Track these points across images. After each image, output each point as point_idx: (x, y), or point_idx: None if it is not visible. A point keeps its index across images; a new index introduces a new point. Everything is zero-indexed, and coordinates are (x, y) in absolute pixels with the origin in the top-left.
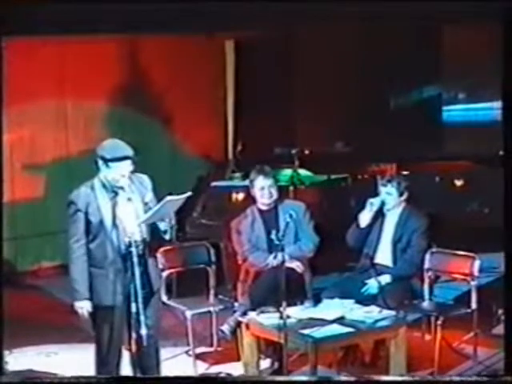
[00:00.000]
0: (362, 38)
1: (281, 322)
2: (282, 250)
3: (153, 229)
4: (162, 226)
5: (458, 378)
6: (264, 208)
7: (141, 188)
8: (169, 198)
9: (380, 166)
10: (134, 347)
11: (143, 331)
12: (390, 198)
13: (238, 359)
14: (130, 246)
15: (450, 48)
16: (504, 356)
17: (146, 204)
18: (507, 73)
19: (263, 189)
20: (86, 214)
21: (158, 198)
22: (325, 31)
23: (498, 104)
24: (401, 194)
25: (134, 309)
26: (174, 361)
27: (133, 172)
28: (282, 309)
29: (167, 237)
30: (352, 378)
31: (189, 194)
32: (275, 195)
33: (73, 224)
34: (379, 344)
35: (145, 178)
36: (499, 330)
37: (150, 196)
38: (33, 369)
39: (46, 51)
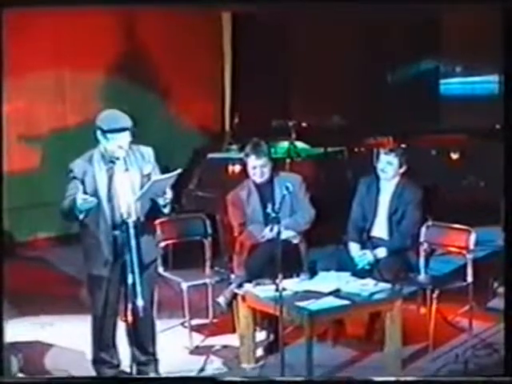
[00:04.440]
0: (360, 12)
1: (277, 294)
2: (278, 222)
3: (151, 203)
4: (161, 200)
5: (458, 378)
6: (259, 181)
7: (140, 160)
8: (154, 178)
9: (377, 139)
10: (129, 318)
11: (139, 302)
12: (390, 168)
13: (234, 331)
14: (126, 217)
15: (447, 21)
16: (504, 356)
17: (145, 176)
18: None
19: (255, 168)
20: (83, 182)
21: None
22: (323, 4)
23: (495, 77)
24: (400, 166)
25: (130, 280)
26: (170, 332)
27: (133, 143)
28: (277, 281)
29: (166, 210)
30: (351, 378)
31: (179, 171)
32: (267, 174)
33: (67, 188)
34: (374, 317)
35: (146, 150)
36: (494, 303)
37: (149, 168)
38: (28, 340)
39: (43, 23)
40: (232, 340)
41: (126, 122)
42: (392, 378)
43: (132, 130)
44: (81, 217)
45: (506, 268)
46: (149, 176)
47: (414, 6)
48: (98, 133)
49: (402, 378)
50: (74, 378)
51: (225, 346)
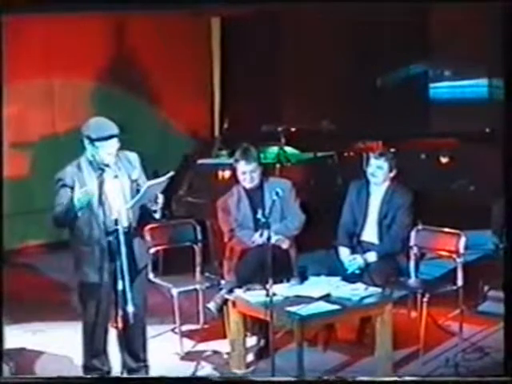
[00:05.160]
0: (349, 16)
1: (267, 299)
2: (268, 227)
3: (142, 208)
4: (153, 206)
5: (456, 378)
6: (249, 187)
7: (128, 165)
8: (149, 183)
9: (366, 143)
10: (120, 325)
11: (130, 309)
12: (381, 172)
13: (225, 337)
14: (116, 223)
15: (436, 25)
16: (504, 357)
17: (133, 181)
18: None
19: (244, 173)
20: (73, 190)
21: (145, 175)
22: (312, 9)
23: (484, 81)
24: (390, 170)
25: (120, 286)
26: (161, 338)
27: (120, 149)
28: (268, 286)
29: (157, 216)
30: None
31: (171, 174)
32: (257, 179)
33: (58, 196)
34: (365, 321)
35: (132, 156)
36: (485, 307)
37: (137, 173)
38: (19, 347)
39: (33, 29)
40: (223, 346)
41: (113, 129)
42: (393, 379)
43: (119, 137)
44: (79, 214)
45: (505, 270)
46: (137, 181)
47: (404, 9)
48: (86, 141)
49: (403, 379)
50: (76, 379)
51: (215, 352)
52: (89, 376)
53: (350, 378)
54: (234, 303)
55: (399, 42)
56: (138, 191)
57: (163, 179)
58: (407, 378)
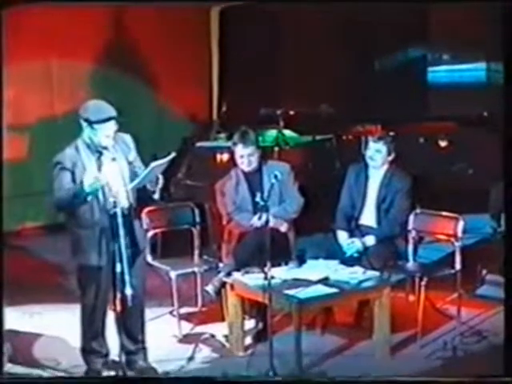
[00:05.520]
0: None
1: (265, 282)
2: (267, 210)
3: (140, 190)
4: (151, 186)
5: (456, 379)
6: (247, 170)
7: (124, 147)
8: (154, 163)
9: (365, 126)
10: (118, 307)
11: (128, 291)
12: (379, 156)
13: (223, 319)
14: (114, 206)
15: (434, 9)
16: (504, 357)
17: (130, 163)
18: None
19: (242, 157)
20: (73, 173)
21: (144, 159)
22: None
23: (482, 65)
24: (389, 154)
25: (118, 269)
26: (159, 321)
27: (116, 132)
28: (266, 269)
29: (156, 196)
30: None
31: (173, 155)
32: (255, 163)
33: (58, 180)
34: (363, 305)
35: (127, 138)
36: (482, 290)
37: (133, 155)
38: (16, 329)
39: (32, 13)
40: (221, 328)
41: (111, 111)
42: (393, 378)
43: (117, 119)
44: (89, 198)
45: (505, 254)
46: (133, 163)
47: None
48: (84, 124)
49: (404, 379)
50: (77, 379)
51: (213, 335)
52: (90, 376)
53: (351, 377)
54: (232, 286)
55: (398, 26)
56: (135, 173)
57: (167, 159)
58: (408, 379)
